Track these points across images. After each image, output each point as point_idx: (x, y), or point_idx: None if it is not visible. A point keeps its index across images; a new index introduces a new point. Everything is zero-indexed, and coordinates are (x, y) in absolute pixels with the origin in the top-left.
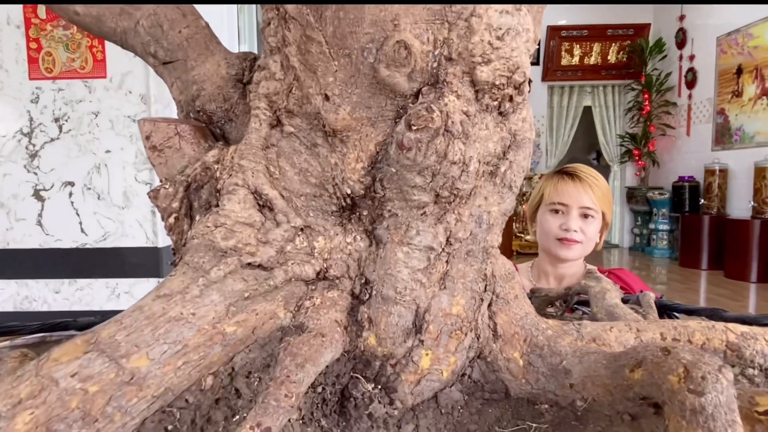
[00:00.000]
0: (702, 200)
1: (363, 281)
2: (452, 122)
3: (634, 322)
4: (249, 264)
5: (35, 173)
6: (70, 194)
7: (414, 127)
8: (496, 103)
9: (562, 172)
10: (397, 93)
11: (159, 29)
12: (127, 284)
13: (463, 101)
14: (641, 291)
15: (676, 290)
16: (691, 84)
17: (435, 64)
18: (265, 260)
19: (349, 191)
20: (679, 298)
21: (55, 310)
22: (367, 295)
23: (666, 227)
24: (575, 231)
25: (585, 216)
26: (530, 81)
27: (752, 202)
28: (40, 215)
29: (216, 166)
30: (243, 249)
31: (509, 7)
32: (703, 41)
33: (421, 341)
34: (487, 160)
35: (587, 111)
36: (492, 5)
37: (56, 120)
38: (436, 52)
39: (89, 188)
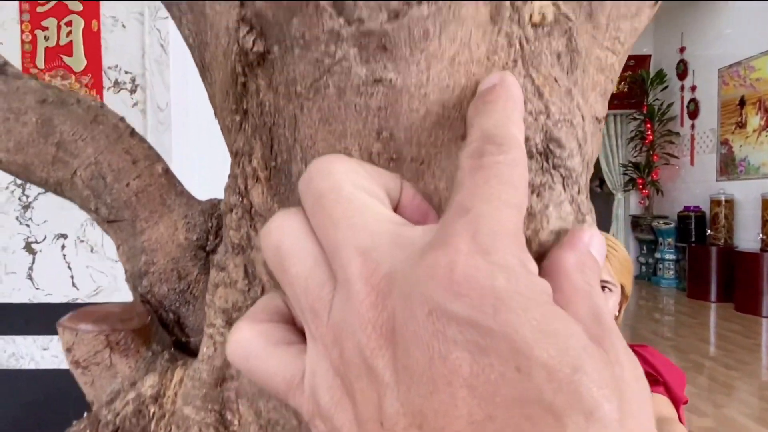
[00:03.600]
0: (709, 231)
1: None
2: None
3: None
4: None
5: (27, 225)
6: (63, 247)
7: None
8: None
9: None
10: None
11: (101, 182)
12: None
13: None
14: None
15: (686, 324)
16: (693, 114)
17: None
18: None
19: None
20: (689, 333)
21: (43, 368)
22: None
23: (672, 257)
24: None
25: (602, 290)
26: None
27: (761, 235)
28: (30, 268)
29: (152, 409)
30: None
31: None
32: (705, 73)
33: None
34: None
35: None
36: None
37: None
38: None
39: (82, 241)
